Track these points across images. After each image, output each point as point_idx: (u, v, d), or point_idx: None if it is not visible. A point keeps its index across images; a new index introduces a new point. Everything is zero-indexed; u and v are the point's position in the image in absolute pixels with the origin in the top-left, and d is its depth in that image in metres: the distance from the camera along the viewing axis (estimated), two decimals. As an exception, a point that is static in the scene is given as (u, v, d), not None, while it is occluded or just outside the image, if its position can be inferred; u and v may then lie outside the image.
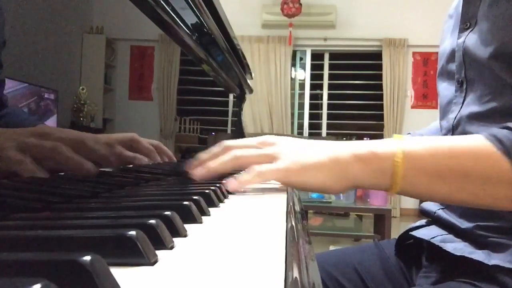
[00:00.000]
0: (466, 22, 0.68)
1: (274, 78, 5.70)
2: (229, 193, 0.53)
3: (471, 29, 0.67)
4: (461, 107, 0.68)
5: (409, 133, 0.89)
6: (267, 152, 0.55)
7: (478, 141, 0.53)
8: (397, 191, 0.54)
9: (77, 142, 0.45)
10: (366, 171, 0.53)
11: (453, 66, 0.71)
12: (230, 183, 0.52)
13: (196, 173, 0.55)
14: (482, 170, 0.52)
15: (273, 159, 0.54)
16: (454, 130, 0.69)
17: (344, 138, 4.99)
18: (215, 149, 0.58)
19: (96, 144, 0.48)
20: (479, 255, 0.61)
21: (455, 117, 0.69)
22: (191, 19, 0.85)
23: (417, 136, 0.86)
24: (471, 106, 0.66)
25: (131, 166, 0.63)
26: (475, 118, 0.65)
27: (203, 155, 0.58)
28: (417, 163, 0.52)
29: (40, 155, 0.41)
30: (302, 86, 6.07)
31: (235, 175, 0.54)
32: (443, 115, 0.74)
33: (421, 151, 0.53)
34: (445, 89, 0.74)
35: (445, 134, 0.72)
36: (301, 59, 6.09)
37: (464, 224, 0.66)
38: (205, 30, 0.92)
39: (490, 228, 0.62)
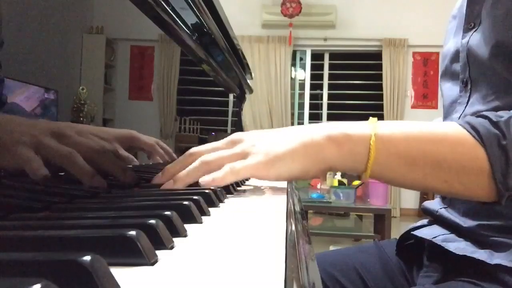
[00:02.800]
0: (471, 22, 0.68)
1: (274, 78, 5.70)
2: (229, 193, 0.53)
3: (475, 29, 0.67)
4: (465, 107, 0.68)
5: None
6: (236, 151, 0.52)
7: (453, 128, 0.53)
8: (370, 175, 0.53)
9: (92, 151, 0.45)
10: (340, 153, 0.52)
11: (457, 66, 0.71)
12: (204, 180, 0.50)
13: (166, 186, 0.51)
14: (456, 158, 0.51)
15: (244, 156, 0.52)
16: None
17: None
18: (180, 158, 0.55)
19: (108, 156, 0.48)
20: (481, 255, 0.60)
21: (459, 117, 0.69)
22: (191, 19, 0.85)
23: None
24: (476, 106, 0.66)
25: (131, 166, 0.63)
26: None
27: (169, 167, 0.54)
28: (389, 146, 0.52)
29: (52, 159, 0.40)
30: (302, 86, 6.07)
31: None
32: (447, 115, 0.74)
33: (395, 135, 0.52)
34: (449, 89, 0.74)
35: None
36: (301, 59, 6.10)
37: (466, 223, 0.66)
38: (205, 30, 0.91)
39: (492, 227, 0.62)
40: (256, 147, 0.52)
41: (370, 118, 0.56)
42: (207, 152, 0.53)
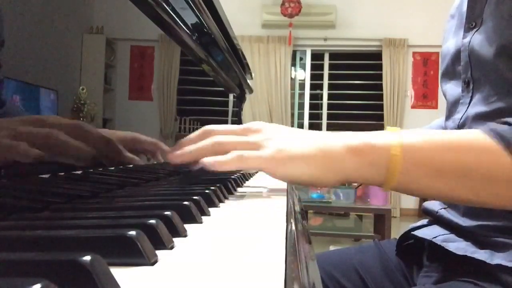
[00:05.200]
0: (472, 21, 0.68)
1: (274, 78, 5.70)
2: (230, 193, 0.53)
3: (477, 29, 0.66)
4: (467, 107, 0.68)
5: None
6: (251, 140, 0.51)
7: (478, 136, 0.51)
8: (393, 187, 0.51)
9: (73, 127, 0.43)
10: (360, 164, 0.50)
11: (458, 66, 0.70)
12: (205, 161, 0.48)
13: (173, 156, 0.51)
14: (483, 166, 0.50)
15: (257, 147, 0.50)
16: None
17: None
18: (196, 133, 0.54)
19: (92, 128, 0.47)
20: (481, 255, 0.60)
21: (461, 117, 0.68)
22: (191, 19, 0.85)
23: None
24: (478, 106, 0.65)
25: (131, 166, 0.63)
26: (481, 118, 0.64)
27: (183, 141, 0.53)
28: (416, 156, 0.50)
29: (35, 141, 0.39)
30: (302, 86, 6.06)
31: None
32: (449, 115, 0.74)
33: (420, 144, 0.50)
34: (451, 89, 0.73)
35: None
36: (301, 59, 6.09)
37: (466, 223, 0.65)
38: (205, 30, 0.91)
39: (492, 228, 0.62)
40: (272, 141, 0.50)
41: (389, 127, 0.54)
42: (223, 133, 0.52)
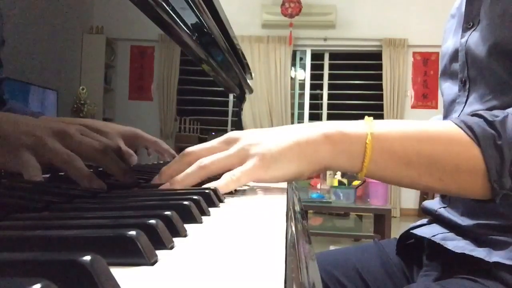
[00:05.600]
0: (469, 21, 0.68)
1: (274, 78, 5.70)
2: (229, 193, 0.53)
3: (474, 28, 0.67)
4: (464, 106, 0.68)
5: None
6: (232, 153, 0.51)
7: (449, 127, 0.53)
8: (366, 174, 0.53)
9: (93, 151, 0.45)
10: (336, 152, 0.51)
11: (456, 66, 0.71)
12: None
13: (164, 189, 0.50)
14: (451, 156, 0.51)
15: (241, 158, 0.51)
16: None
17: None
18: (176, 159, 0.53)
19: (110, 156, 0.48)
20: (479, 253, 0.61)
21: (458, 117, 0.69)
22: (191, 19, 0.85)
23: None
24: (474, 105, 0.66)
25: (131, 166, 0.63)
26: None
27: (166, 168, 0.53)
28: (385, 145, 0.52)
29: (52, 161, 0.41)
30: (302, 86, 6.07)
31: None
32: (446, 114, 0.74)
33: (391, 133, 0.52)
34: (448, 88, 0.74)
35: None
36: (301, 59, 6.09)
37: (465, 222, 0.66)
38: (205, 30, 0.92)
39: (491, 226, 0.62)
40: (252, 147, 0.51)
41: (366, 117, 0.55)
42: (202, 153, 0.52)
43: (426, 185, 0.54)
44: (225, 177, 0.49)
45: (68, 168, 0.43)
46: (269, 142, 0.51)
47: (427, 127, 0.53)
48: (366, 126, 0.53)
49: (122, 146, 0.56)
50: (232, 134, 0.55)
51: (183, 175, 0.50)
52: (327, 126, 0.53)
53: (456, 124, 0.53)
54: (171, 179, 0.50)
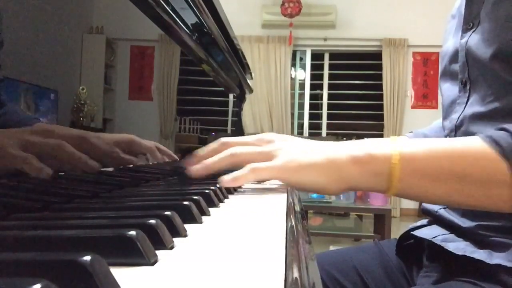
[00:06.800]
0: (469, 22, 0.68)
1: (274, 78, 5.70)
2: (229, 193, 0.53)
3: (474, 29, 0.67)
4: (464, 107, 0.68)
5: (411, 132, 0.89)
6: (264, 150, 0.55)
7: (475, 143, 0.53)
8: (394, 193, 0.54)
9: (79, 139, 0.46)
10: (363, 173, 0.53)
11: (456, 66, 0.71)
12: (224, 179, 0.52)
13: (193, 170, 0.54)
14: (479, 172, 0.52)
15: (270, 157, 0.53)
16: (457, 130, 0.69)
17: (344, 138, 4.98)
18: (212, 145, 0.57)
19: (98, 140, 0.49)
20: (480, 255, 0.60)
21: (458, 117, 0.69)
22: (191, 19, 0.85)
23: (420, 134, 0.87)
24: (474, 106, 0.66)
25: (131, 166, 0.63)
26: (478, 118, 0.65)
27: (200, 151, 0.57)
28: (414, 165, 0.52)
29: (43, 153, 0.41)
30: (302, 86, 6.06)
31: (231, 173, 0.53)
32: (446, 115, 0.74)
33: (418, 152, 0.53)
34: (448, 89, 0.74)
35: (448, 135, 0.72)
36: (301, 59, 6.09)
37: (465, 223, 0.66)
38: (205, 30, 0.91)
39: (492, 228, 0.62)
40: (283, 151, 0.54)
41: (392, 136, 0.57)
42: (238, 144, 0.56)
43: (454, 201, 0.55)
44: (245, 169, 0.52)
45: (60, 153, 0.42)
46: (302, 150, 0.54)
47: (454, 144, 0.54)
48: (393, 145, 0.54)
49: (123, 155, 0.57)
50: (268, 135, 0.58)
51: (213, 159, 0.54)
52: (354, 147, 0.54)
53: (481, 139, 0.53)
54: (202, 162, 0.54)
